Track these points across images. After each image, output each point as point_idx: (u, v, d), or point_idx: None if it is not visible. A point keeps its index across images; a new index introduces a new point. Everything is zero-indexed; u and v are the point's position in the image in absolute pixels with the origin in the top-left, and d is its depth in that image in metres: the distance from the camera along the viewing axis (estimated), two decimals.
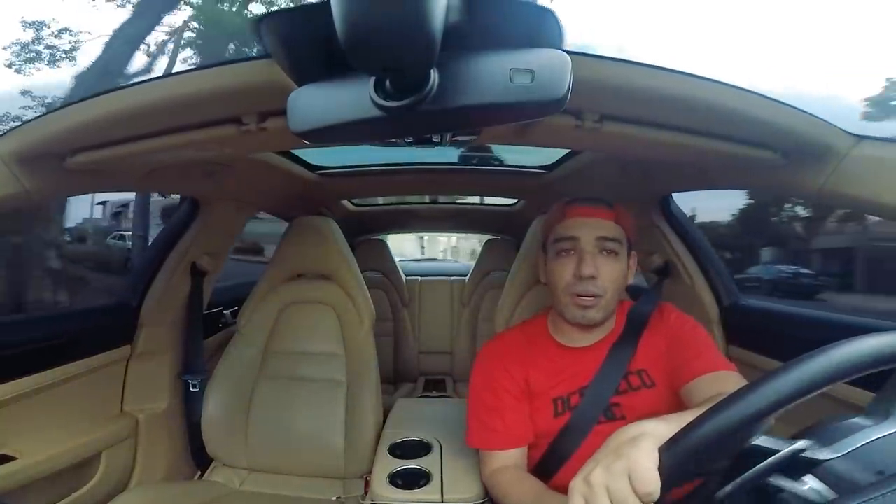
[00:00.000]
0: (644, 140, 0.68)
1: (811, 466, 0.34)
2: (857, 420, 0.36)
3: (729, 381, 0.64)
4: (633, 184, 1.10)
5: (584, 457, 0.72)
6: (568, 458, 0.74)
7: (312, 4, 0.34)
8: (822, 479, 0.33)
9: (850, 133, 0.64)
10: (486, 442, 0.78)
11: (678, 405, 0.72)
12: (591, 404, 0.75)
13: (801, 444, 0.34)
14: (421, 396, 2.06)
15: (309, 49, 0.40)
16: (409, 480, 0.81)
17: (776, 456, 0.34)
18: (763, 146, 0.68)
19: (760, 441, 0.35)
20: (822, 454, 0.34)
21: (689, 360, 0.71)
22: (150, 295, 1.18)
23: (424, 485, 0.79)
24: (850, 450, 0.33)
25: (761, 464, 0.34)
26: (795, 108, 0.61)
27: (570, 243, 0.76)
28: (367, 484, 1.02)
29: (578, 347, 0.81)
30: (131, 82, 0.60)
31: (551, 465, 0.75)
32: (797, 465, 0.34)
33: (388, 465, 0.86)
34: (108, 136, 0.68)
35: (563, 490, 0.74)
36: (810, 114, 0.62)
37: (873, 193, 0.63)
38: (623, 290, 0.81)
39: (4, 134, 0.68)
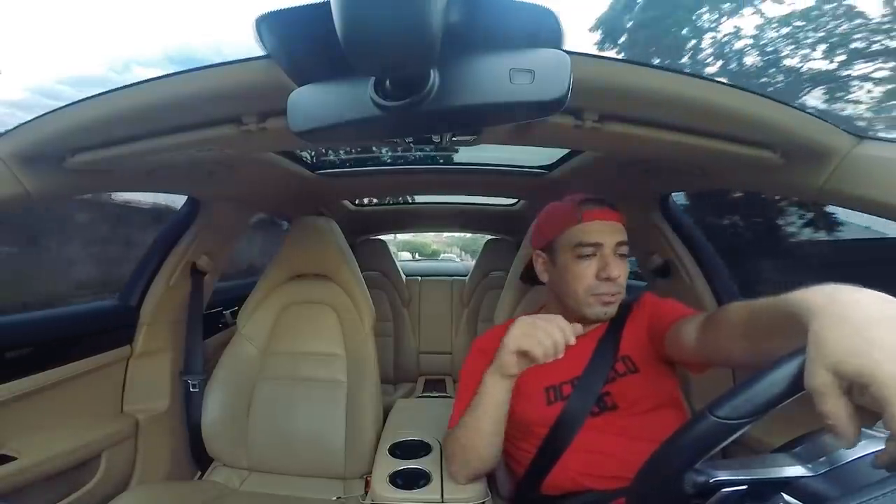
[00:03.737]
0: (644, 140, 0.67)
1: (784, 485, 0.34)
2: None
3: (700, 316, 0.68)
4: (633, 184, 1.10)
5: (577, 451, 0.74)
6: (563, 450, 0.74)
7: (312, 4, 0.34)
8: (797, 497, 0.33)
9: (851, 133, 0.64)
10: (457, 421, 0.78)
11: (662, 388, 0.77)
12: (584, 394, 0.76)
13: (758, 473, 0.35)
14: (421, 396, 2.06)
15: (309, 49, 0.40)
16: (410, 480, 0.81)
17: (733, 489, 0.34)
18: (763, 146, 0.68)
19: (719, 475, 0.35)
20: (798, 471, 0.34)
21: (666, 318, 0.76)
22: (150, 295, 1.18)
23: (424, 485, 0.79)
24: (827, 469, 0.33)
25: (718, 494, 0.35)
26: (796, 107, 0.61)
27: (592, 249, 0.78)
28: (367, 484, 1.02)
29: None
30: (131, 82, 0.60)
31: (548, 457, 0.76)
32: (769, 487, 0.34)
33: (389, 465, 0.86)
34: (109, 136, 0.68)
35: (562, 488, 0.75)
36: (811, 114, 0.62)
37: (873, 193, 0.63)
38: None
39: (4, 134, 0.68)
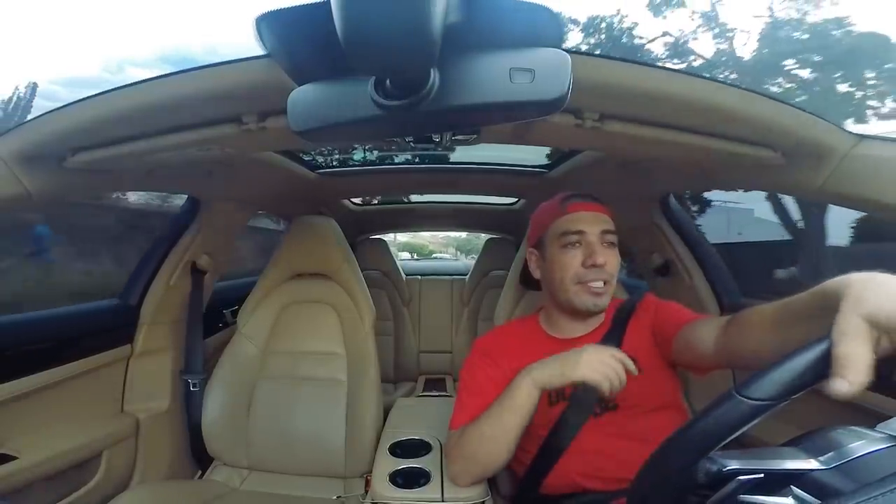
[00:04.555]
0: (644, 139, 0.68)
1: (795, 478, 0.34)
2: (848, 432, 0.36)
3: (715, 319, 0.69)
4: (634, 183, 1.10)
5: (578, 452, 0.74)
6: (564, 450, 0.74)
7: (312, 4, 0.34)
8: (807, 490, 0.33)
9: (851, 133, 0.64)
10: (461, 422, 0.78)
11: (664, 389, 0.78)
12: (586, 394, 0.76)
13: (770, 463, 0.34)
14: (421, 395, 2.06)
15: (309, 48, 0.40)
16: (410, 479, 0.81)
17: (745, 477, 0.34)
18: (763, 146, 0.68)
19: (733, 464, 0.35)
20: (808, 465, 0.34)
21: (673, 321, 0.77)
22: (151, 294, 1.18)
23: (425, 484, 0.79)
24: (838, 463, 0.33)
25: (730, 484, 0.34)
26: (796, 107, 0.61)
27: (576, 237, 0.80)
28: (367, 483, 1.02)
29: (569, 338, 0.84)
30: (131, 82, 0.60)
31: (548, 457, 0.76)
32: (779, 479, 0.34)
33: (389, 464, 0.86)
34: (108, 135, 0.68)
35: (562, 488, 0.75)
36: (811, 113, 0.62)
37: (873, 193, 0.63)
38: None
39: (4, 134, 0.68)
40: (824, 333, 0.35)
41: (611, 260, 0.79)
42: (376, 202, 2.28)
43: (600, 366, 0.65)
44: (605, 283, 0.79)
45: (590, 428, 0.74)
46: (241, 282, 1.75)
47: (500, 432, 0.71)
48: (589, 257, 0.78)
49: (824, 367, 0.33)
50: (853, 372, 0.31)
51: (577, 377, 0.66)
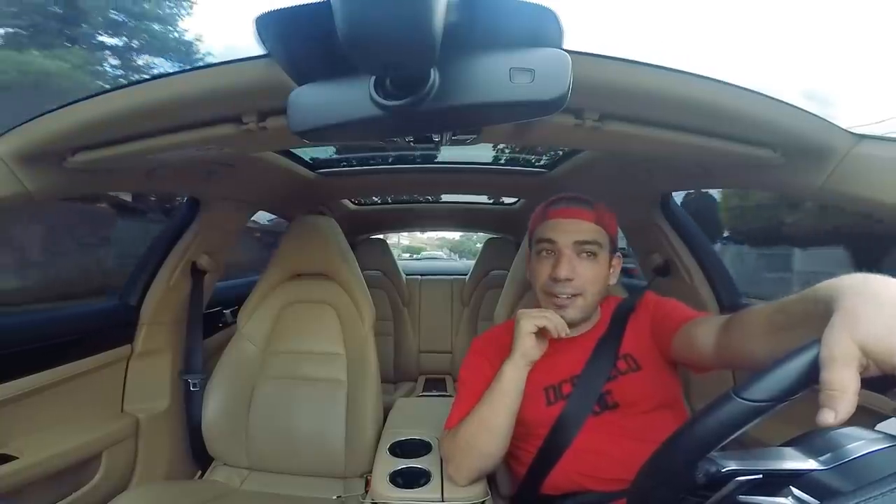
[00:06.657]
0: (644, 139, 0.67)
1: (794, 479, 0.34)
2: (847, 432, 0.36)
3: (714, 318, 0.68)
4: (634, 183, 1.10)
5: (578, 451, 0.74)
6: (564, 450, 0.74)
7: (312, 4, 0.34)
8: (806, 490, 0.33)
9: (851, 132, 0.64)
10: (456, 420, 0.78)
11: (664, 388, 0.77)
12: (584, 392, 0.76)
13: (768, 464, 0.35)
14: (421, 395, 2.06)
15: (309, 48, 0.40)
16: (410, 479, 0.81)
17: (743, 478, 0.34)
18: (763, 145, 0.68)
19: (731, 465, 0.35)
20: (807, 465, 0.34)
21: (672, 319, 0.76)
22: (151, 294, 1.18)
23: (425, 484, 0.79)
24: (838, 463, 0.33)
25: (729, 485, 0.34)
26: (796, 107, 0.61)
27: (548, 245, 0.79)
28: (367, 483, 1.02)
29: (566, 337, 0.82)
30: (131, 81, 0.60)
31: (548, 457, 0.76)
32: (777, 480, 0.34)
33: (389, 464, 0.86)
34: (109, 135, 0.68)
35: (562, 488, 0.75)
36: (810, 113, 0.62)
37: (873, 193, 0.63)
38: (605, 288, 0.82)
39: (4, 134, 0.68)
40: (818, 337, 0.35)
41: (584, 272, 0.77)
42: (377, 202, 2.28)
43: (540, 315, 0.73)
44: (572, 296, 0.77)
45: (589, 427, 0.74)
46: (242, 281, 1.75)
47: (492, 416, 0.72)
48: (553, 269, 0.77)
49: (819, 370, 0.33)
50: (841, 403, 0.31)
51: (530, 328, 0.72)
